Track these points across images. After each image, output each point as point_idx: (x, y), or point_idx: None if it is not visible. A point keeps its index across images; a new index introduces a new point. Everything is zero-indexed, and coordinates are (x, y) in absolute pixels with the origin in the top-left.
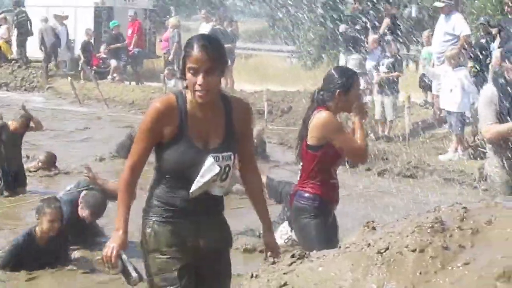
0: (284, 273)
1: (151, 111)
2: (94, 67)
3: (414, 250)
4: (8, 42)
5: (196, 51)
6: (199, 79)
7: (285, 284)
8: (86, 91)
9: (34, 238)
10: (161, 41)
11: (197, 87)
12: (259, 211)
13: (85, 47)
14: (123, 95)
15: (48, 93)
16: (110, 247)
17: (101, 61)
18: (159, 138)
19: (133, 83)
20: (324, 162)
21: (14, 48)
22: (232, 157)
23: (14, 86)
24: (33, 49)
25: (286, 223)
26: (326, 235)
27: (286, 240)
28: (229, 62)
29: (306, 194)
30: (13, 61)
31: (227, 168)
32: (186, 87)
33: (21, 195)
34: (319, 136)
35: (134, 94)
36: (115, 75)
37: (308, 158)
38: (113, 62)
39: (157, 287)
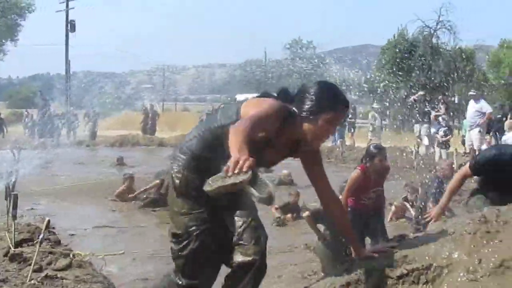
0: None
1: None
2: None
3: None
4: None
5: (343, 111)
6: (333, 131)
7: None
8: None
9: None
10: None
11: (326, 138)
12: None
13: None
14: None
15: None
16: (238, 156)
17: None
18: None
19: None
20: None
21: None
22: None
23: None
24: None
25: None
26: None
27: None
28: None
29: None
30: None
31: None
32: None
33: None
34: None
35: None
36: None
37: None
38: None
39: (186, 226)
